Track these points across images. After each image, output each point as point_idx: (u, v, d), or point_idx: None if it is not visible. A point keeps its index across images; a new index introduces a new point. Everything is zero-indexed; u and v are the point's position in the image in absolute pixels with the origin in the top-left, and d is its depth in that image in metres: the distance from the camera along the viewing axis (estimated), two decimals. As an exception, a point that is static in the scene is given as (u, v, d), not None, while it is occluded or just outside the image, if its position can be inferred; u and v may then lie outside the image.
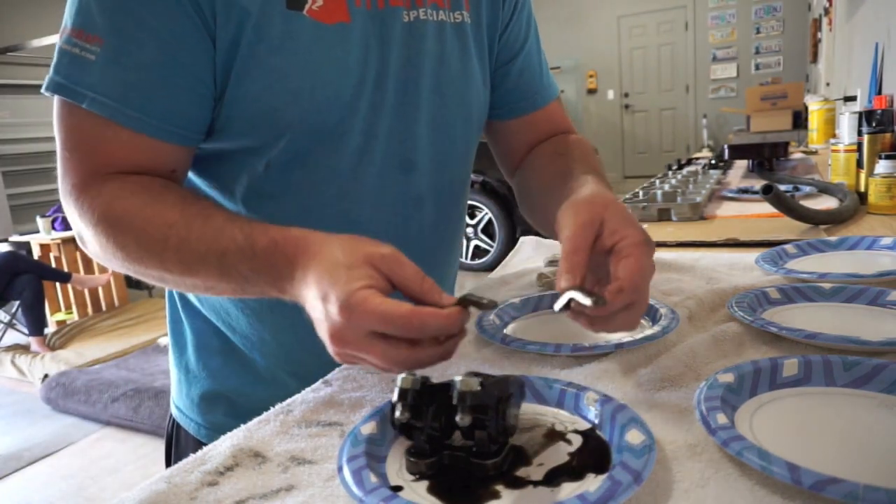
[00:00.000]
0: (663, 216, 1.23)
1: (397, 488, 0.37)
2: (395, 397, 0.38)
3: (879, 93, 2.03)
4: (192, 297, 0.72)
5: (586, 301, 0.44)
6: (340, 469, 0.38)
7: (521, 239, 1.06)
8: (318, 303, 0.43)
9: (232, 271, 0.50)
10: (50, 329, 3.84)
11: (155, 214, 0.53)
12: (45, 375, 3.21)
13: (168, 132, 0.56)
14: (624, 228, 0.49)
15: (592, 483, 0.36)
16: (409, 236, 0.69)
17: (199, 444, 0.70)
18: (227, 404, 0.71)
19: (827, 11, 4.47)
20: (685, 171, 1.88)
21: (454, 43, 0.69)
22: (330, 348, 0.44)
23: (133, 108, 0.54)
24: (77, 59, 0.53)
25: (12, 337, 3.83)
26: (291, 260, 0.47)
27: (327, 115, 0.60)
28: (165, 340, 3.25)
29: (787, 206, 1.00)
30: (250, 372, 0.70)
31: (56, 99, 0.55)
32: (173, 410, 0.77)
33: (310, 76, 0.58)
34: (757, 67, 7.32)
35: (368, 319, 0.41)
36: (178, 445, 0.76)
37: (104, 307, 4.24)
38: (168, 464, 0.78)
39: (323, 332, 0.44)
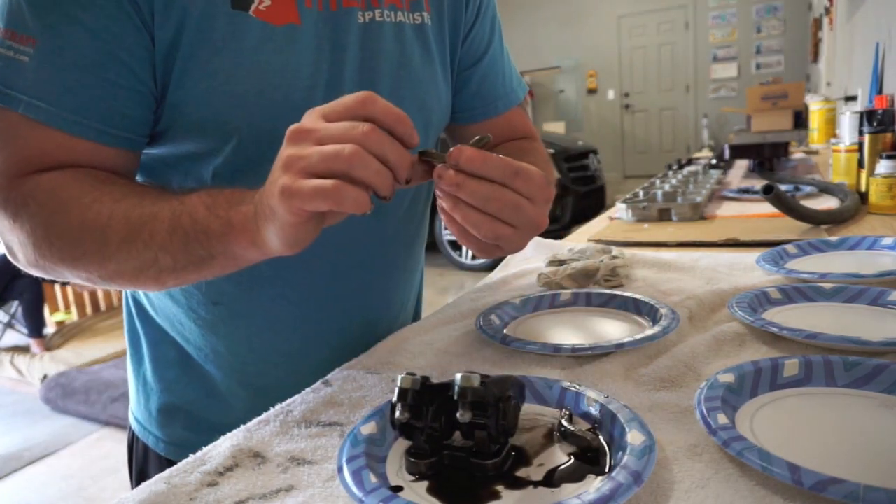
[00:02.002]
0: (663, 216, 1.23)
1: (397, 488, 0.37)
2: (395, 397, 0.38)
3: (880, 92, 2.03)
4: (147, 306, 0.69)
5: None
6: (340, 469, 0.38)
7: (522, 239, 1.06)
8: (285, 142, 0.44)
9: (184, 218, 0.48)
10: (49, 329, 3.85)
11: (101, 194, 0.51)
12: (45, 376, 3.21)
13: (109, 135, 0.53)
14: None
15: (593, 484, 0.36)
16: (369, 242, 0.68)
17: (158, 459, 0.70)
18: (186, 417, 0.69)
19: (828, 11, 4.47)
20: (685, 170, 1.87)
21: (414, 45, 0.66)
22: (284, 151, 0.43)
23: (70, 110, 0.51)
24: (9, 62, 0.50)
25: (12, 337, 3.83)
26: (248, 191, 0.48)
27: (277, 121, 0.56)
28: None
29: (788, 206, 1.00)
30: (206, 385, 0.68)
31: None
32: (132, 423, 0.74)
33: (256, 79, 0.56)
34: (757, 67, 7.32)
35: (319, 109, 0.43)
36: (137, 459, 0.74)
37: (103, 307, 4.25)
38: (132, 479, 0.75)
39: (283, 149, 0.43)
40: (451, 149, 0.44)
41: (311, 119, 0.43)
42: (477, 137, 0.45)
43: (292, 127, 0.43)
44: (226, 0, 0.54)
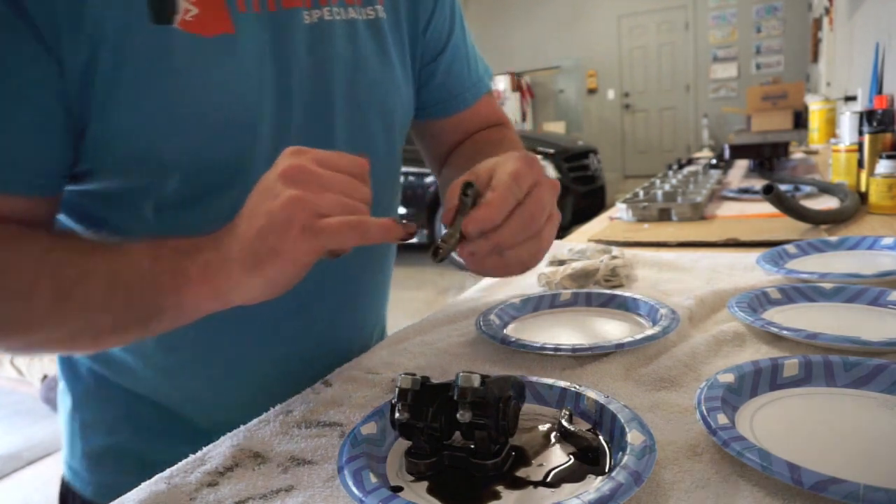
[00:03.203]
0: (664, 216, 1.23)
1: (397, 489, 0.37)
2: (395, 397, 0.38)
3: (880, 92, 2.03)
4: None
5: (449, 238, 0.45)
6: (340, 469, 0.38)
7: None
8: (261, 186, 0.43)
9: (124, 273, 0.43)
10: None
11: (18, 254, 0.44)
12: (45, 376, 3.21)
13: (18, 183, 0.45)
14: (501, 164, 0.46)
15: (593, 484, 0.36)
16: (335, 265, 0.57)
17: None
18: (122, 460, 0.62)
19: (828, 11, 4.47)
20: (685, 170, 1.87)
21: (369, 43, 0.60)
22: (286, 191, 0.41)
23: None
24: None
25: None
26: (200, 238, 0.44)
27: (222, 147, 0.51)
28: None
29: (788, 206, 1.00)
30: (145, 425, 0.62)
31: None
32: (64, 471, 0.66)
33: (192, 102, 0.49)
34: (757, 67, 7.32)
35: (313, 153, 0.43)
36: None
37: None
38: None
39: (271, 181, 0.42)
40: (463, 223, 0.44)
41: (308, 161, 0.42)
42: (463, 187, 0.45)
43: (290, 164, 0.42)
44: (145, 14, 0.46)
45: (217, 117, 0.51)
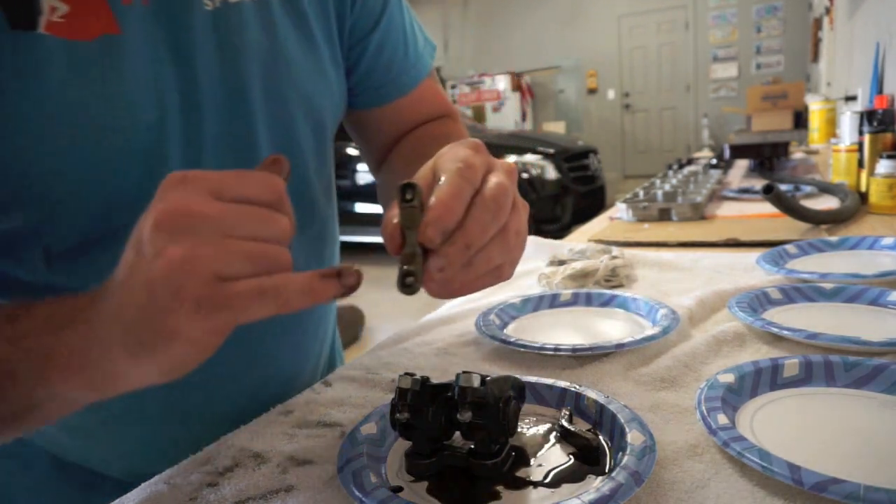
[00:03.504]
0: (664, 216, 1.23)
1: (397, 489, 0.37)
2: (395, 397, 0.38)
3: (880, 92, 2.03)
4: None
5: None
6: (340, 469, 0.38)
7: (522, 239, 1.06)
8: (133, 241, 0.30)
9: None
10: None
11: None
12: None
13: None
14: (444, 154, 0.37)
15: (593, 484, 0.36)
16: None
17: None
18: None
19: (828, 11, 4.47)
20: (686, 170, 1.87)
21: (288, 27, 0.51)
22: (168, 249, 0.28)
23: None
24: None
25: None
26: (77, 298, 0.33)
27: (122, 177, 0.42)
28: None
29: (788, 206, 1.00)
30: (73, 481, 0.55)
31: None
32: None
33: (73, 124, 0.40)
34: (758, 67, 7.32)
35: (203, 179, 0.30)
36: None
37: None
38: None
39: (145, 233, 0.29)
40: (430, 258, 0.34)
41: (195, 195, 0.30)
42: (401, 191, 0.34)
43: (167, 206, 0.29)
44: (1, 18, 0.37)
45: (110, 141, 0.41)
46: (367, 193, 4.54)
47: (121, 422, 0.52)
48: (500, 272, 0.37)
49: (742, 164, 2.16)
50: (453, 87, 8.19)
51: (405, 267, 0.33)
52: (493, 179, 0.36)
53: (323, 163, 0.58)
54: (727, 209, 1.29)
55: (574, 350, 0.55)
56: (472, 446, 0.38)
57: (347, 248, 0.82)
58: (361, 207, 4.59)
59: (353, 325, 2.92)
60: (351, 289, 0.32)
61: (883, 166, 1.09)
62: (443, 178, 0.34)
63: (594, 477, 0.37)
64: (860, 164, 1.23)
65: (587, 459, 0.39)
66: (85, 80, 0.40)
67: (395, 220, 0.34)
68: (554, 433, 0.42)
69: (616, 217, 1.30)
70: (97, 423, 0.51)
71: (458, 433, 0.39)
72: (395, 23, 0.60)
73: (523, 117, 8.33)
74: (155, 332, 0.29)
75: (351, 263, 0.33)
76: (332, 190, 0.62)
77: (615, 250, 0.86)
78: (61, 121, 0.39)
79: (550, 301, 0.71)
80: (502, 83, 8.04)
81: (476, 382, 0.37)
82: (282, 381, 0.57)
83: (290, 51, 0.51)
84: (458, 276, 0.35)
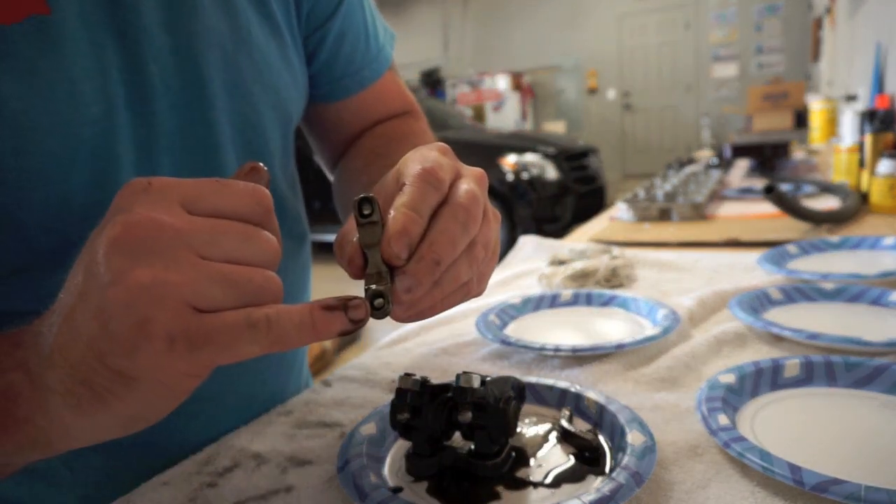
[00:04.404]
0: (664, 216, 1.23)
1: (397, 489, 0.37)
2: (394, 398, 0.38)
3: (881, 92, 2.03)
4: None
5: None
6: (340, 469, 0.38)
7: (521, 239, 1.06)
8: (86, 259, 0.25)
9: None
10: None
11: None
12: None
13: None
14: (406, 160, 0.33)
15: (593, 484, 0.36)
16: None
17: None
18: None
19: (828, 10, 4.46)
20: (686, 170, 1.87)
21: (248, 10, 0.46)
22: (133, 272, 0.23)
23: None
24: None
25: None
26: (11, 334, 0.28)
27: (63, 179, 0.37)
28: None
29: (789, 206, 1.00)
30: None
31: None
32: None
33: (4, 120, 0.34)
34: (758, 67, 7.32)
35: (174, 187, 0.26)
36: None
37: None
38: None
39: (100, 253, 0.24)
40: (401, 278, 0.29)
41: (165, 205, 0.25)
42: (357, 206, 0.30)
43: (128, 219, 0.24)
44: None
45: (46, 144, 0.35)
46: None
47: (85, 458, 0.43)
48: (468, 289, 0.33)
49: (743, 164, 2.15)
50: (453, 86, 8.19)
51: (372, 287, 0.29)
52: (463, 186, 0.32)
53: (288, 158, 0.55)
54: (728, 209, 1.28)
55: (574, 350, 0.55)
56: (472, 446, 0.38)
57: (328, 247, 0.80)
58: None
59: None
60: (358, 324, 0.27)
61: (884, 166, 1.09)
62: (406, 185, 0.31)
63: (594, 477, 0.37)
64: (861, 163, 1.23)
65: (587, 460, 0.39)
66: (14, 69, 0.34)
67: (354, 240, 0.30)
68: (554, 433, 0.42)
69: (616, 217, 1.29)
70: (58, 464, 0.43)
71: (458, 433, 0.39)
72: (354, 12, 0.55)
73: (523, 117, 8.33)
74: (110, 375, 0.24)
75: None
76: (297, 185, 0.58)
77: (615, 250, 0.86)
78: None
79: (550, 301, 0.71)
80: (502, 83, 8.05)
81: (476, 383, 0.37)
82: (265, 399, 0.52)
83: (252, 38, 0.46)
84: (426, 296, 0.30)
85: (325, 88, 0.56)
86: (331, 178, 0.63)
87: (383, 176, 0.34)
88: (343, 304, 0.26)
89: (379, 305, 0.29)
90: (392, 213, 0.30)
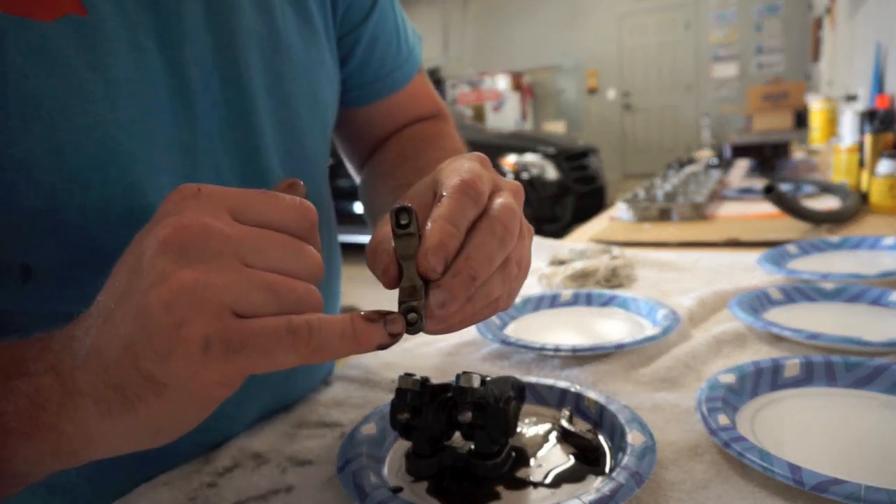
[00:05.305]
0: (664, 216, 1.23)
1: (397, 489, 0.37)
2: (394, 398, 0.38)
3: (881, 92, 2.03)
4: None
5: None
6: (340, 469, 0.38)
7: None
8: (129, 260, 0.25)
9: None
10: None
11: None
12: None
13: None
14: (444, 170, 0.32)
15: (593, 484, 0.36)
16: None
17: None
18: None
19: (828, 10, 4.47)
20: (686, 170, 1.87)
21: (287, 10, 0.45)
22: (176, 271, 0.24)
23: None
24: None
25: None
26: (47, 338, 0.27)
27: (98, 190, 0.35)
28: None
29: (789, 206, 1.00)
30: None
31: None
32: None
33: (35, 126, 0.32)
34: (758, 67, 7.32)
35: (223, 195, 0.26)
36: None
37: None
38: None
39: (149, 251, 0.24)
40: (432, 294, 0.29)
41: (213, 212, 0.25)
42: (394, 216, 0.29)
43: (179, 222, 0.24)
44: None
45: (83, 145, 0.34)
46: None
47: (108, 473, 0.41)
48: (498, 304, 0.33)
49: (743, 164, 2.15)
50: (453, 86, 8.19)
51: (406, 302, 0.29)
52: (501, 200, 0.31)
53: (327, 164, 0.54)
54: (728, 209, 1.28)
55: (574, 350, 0.55)
56: (472, 446, 0.38)
57: (346, 248, 0.82)
58: (361, 208, 4.59)
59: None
60: (395, 338, 0.27)
61: (884, 166, 1.09)
62: (444, 195, 0.30)
63: (594, 477, 0.37)
64: (861, 163, 1.23)
65: (587, 460, 0.39)
66: (50, 66, 0.33)
67: (390, 251, 0.30)
68: (554, 433, 0.42)
69: (616, 217, 1.29)
70: (80, 480, 0.41)
71: (458, 433, 0.39)
72: (387, 16, 0.55)
73: (523, 117, 8.33)
74: (141, 381, 0.23)
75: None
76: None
77: (615, 250, 0.86)
78: (23, 117, 0.32)
79: (550, 301, 0.71)
80: (502, 83, 8.04)
81: (476, 383, 0.37)
82: (290, 402, 0.52)
83: (291, 40, 0.45)
84: (458, 311, 0.30)
85: (356, 92, 0.56)
86: (357, 179, 0.63)
87: (411, 179, 0.33)
88: (382, 318, 0.26)
89: (413, 321, 0.29)
90: (429, 224, 0.29)
